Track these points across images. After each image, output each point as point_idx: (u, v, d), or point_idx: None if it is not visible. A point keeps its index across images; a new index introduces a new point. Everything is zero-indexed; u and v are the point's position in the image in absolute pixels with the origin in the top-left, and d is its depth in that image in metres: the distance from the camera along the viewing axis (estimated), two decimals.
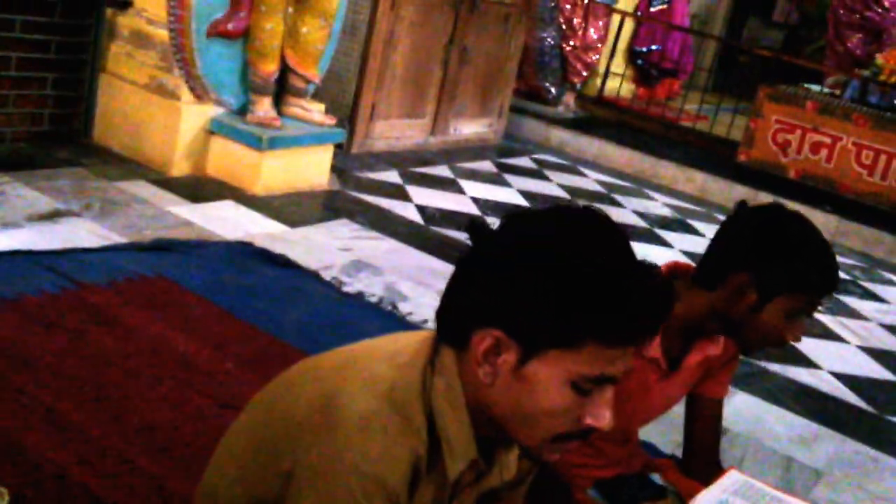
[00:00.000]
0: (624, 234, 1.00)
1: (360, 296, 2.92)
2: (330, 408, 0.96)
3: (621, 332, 0.94)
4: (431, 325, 2.93)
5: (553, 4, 6.22)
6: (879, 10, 6.88)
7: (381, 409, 0.96)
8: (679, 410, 1.76)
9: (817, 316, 3.81)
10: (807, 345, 3.42)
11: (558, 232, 0.97)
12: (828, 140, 5.41)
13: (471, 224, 1.00)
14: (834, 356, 3.44)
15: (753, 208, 1.53)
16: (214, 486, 1.10)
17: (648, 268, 0.98)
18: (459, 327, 0.99)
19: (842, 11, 7.05)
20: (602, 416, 0.98)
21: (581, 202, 4.94)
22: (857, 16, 6.95)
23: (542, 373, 0.95)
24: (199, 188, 3.59)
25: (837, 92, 5.75)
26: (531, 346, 0.95)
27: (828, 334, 3.65)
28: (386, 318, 2.80)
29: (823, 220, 5.19)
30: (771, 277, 1.43)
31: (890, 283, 4.75)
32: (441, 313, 1.02)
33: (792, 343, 1.53)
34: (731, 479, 1.64)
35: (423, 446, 0.97)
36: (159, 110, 3.63)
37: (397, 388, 0.98)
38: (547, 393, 0.95)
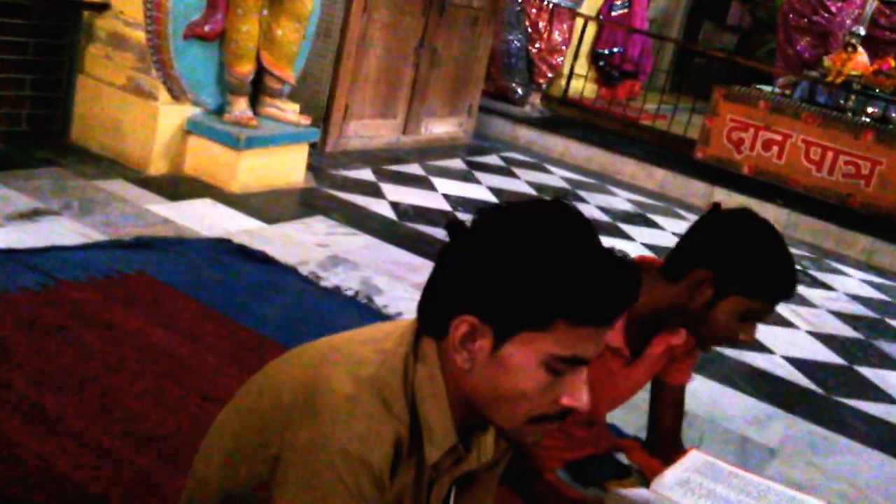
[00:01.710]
0: (588, 220, 1.02)
1: (336, 290, 2.96)
2: (315, 392, 0.98)
3: (589, 312, 0.96)
4: (406, 316, 3.02)
5: (519, 8, 6.33)
6: (826, 15, 7.12)
7: (364, 393, 0.98)
8: (643, 395, 1.84)
9: None
10: (760, 331, 3.49)
11: (525, 220, 1.00)
12: (779, 137, 5.59)
13: (448, 222, 1.04)
14: (786, 341, 3.56)
15: (725, 210, 1.58)
16: (204, 472, 1.11)
17: (614, 251, 1.01)
18: (438, 317, 1.01)
19: (791, 16, 7.28)
20: (578, 396, 1.00)
21: (547, 197, 5.09)
22: (806, 20, 7.19)
23: (516, 355, 0.97)
24: (177, 187, 3.61)
25: (788, 92, 5.94)
26: (504, 329, 0.97)
27: (780, 320, 3.78)
28: (362, 311, 2.85)
29: (775, 213, 5.37)
30: (729, 277, 1.47)
31: (837, 271, 4.91)
32: (421, 306, 1.05)
33: (745, 344, 1.59)
34: (692, 459, 1.73)
35: (404, 429, 0.99)
36: (137, 110, 3.65)
37: (379, 374, 1.00)
38: (522, 375, 0.98)
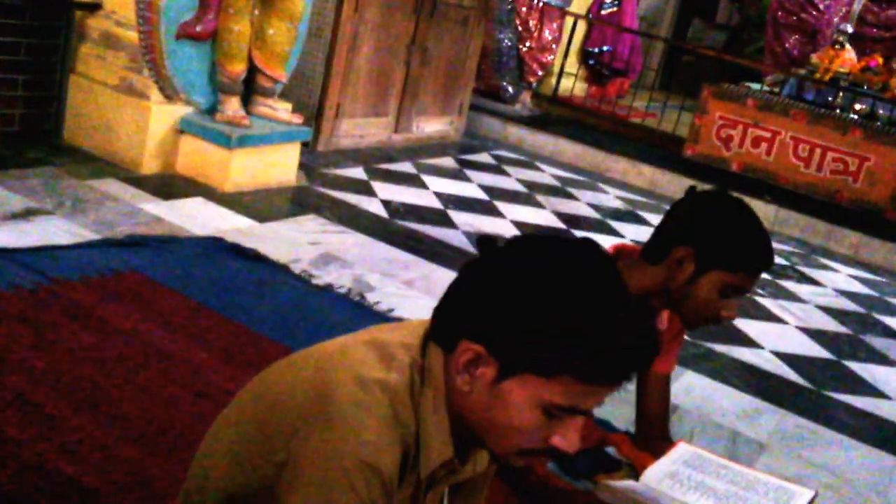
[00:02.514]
0: (619, 276, 0.99)
1: (329, 287, 2.97)
2: (324, 398, 0.98)
3: (599, 373, 0.95)
4: (398, 313, 3.02)
5: (510, 7, 6.35)
6: (815, 13, 7.19)
7: (374, 399, 0.98)
8: (630, 388, 1.88)
9: (759, 299, 3.98)
10: (749, 326, 3.59)
11: (556, 265, 0.97)
12: (767, 135, 5.64)
13: (482, 237, 1.04)
14: (775, 336, 3.59)
15: (700, 192, 1.64)
16: (204, 474, 1.10)
17: (638, 313, 0.98)
18: (448, 332, 1.02)
19: (780, 14, 7.34)
20: (569, 441, 1.00)
21: (542, 196, 5.09)
22: (794, 18, 7.25)
23: (516, 393, 0.97)
24: (170, 186, 3.62)
25: (776, 89, 5.97)
26: (509, 366, 0.97)
27: (769, 316, 3.82)
28: (355, 309, 2.86)
29: (764, 210, 5.39)
30: (708, 251, 1.54)
31: (825, 267, 4.94)
32: (436, 313, 1.05)
33: (728, 320, 1.62)
34: (679, 451, 1.77)
35: (411, 437, 1.00)
36: (129, 110, 3.65)
37: (388, 381, 1.00)
38: (518, 412, 0.98)
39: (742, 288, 1.59)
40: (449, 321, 1.03)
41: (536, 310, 0.95)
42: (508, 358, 0.97)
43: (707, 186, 1.79)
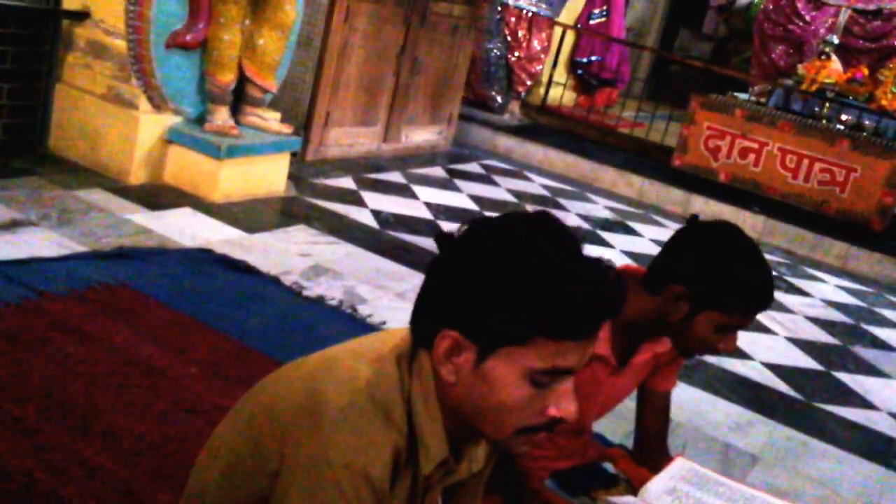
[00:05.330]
0: (571, 233, 1.02)
1: (320, 300, 2.95)
2: (314, 406, 0.99)
3: (565, 327, 0.96)
4: (391, 325, 3.02)
5: (499, 17, 6.36)
6: (801, 24, 7.26)
7: (364, 405, 0.99)
8: (628, 404, 1.86)
9: None
10: (740, 337, 3.59)
11: (505, 236, 1.00)
12: (755, 145, 5.67)
13: (437, 234, 1.05)
14: (765, 348, 3.60)
15: (704, 225, 1.58)
16: (201, 487, 1.11)
17: (595, 264, 1.00)
18: (426, 330, 1.03)
19: (767, 24, 7.41)
20: (564, 407, 1.01)
21: (531, 206, 5.10)
22: (781, 29, 7.32)
23: (498, 369, 0.98)
24: (157, 196, 3.59)
25: (763, 100, 6.03)
26: (485, 345, 0.98)
27: (759, 327, 3.82)
28: (346, 321, 2.85)
29: (751, 220, 5.45)
30: (702, 295, 1.50)
31: (813, 278, 4.98)
32: (412, 318, 1.06)
33: (726, 352, 1.61)
34: (678, 466, 1.75)
35: (403, 440, 1.00)
36: (117, 120, 3.62)
37: (377, 385, 1.01)
38: (506, 388, 0.99)
39: (740, 326, 1.56)
40: (424, 319, 1.04)
41: (496, 282, 0.97)
42: (483, 336, 0.98)
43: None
